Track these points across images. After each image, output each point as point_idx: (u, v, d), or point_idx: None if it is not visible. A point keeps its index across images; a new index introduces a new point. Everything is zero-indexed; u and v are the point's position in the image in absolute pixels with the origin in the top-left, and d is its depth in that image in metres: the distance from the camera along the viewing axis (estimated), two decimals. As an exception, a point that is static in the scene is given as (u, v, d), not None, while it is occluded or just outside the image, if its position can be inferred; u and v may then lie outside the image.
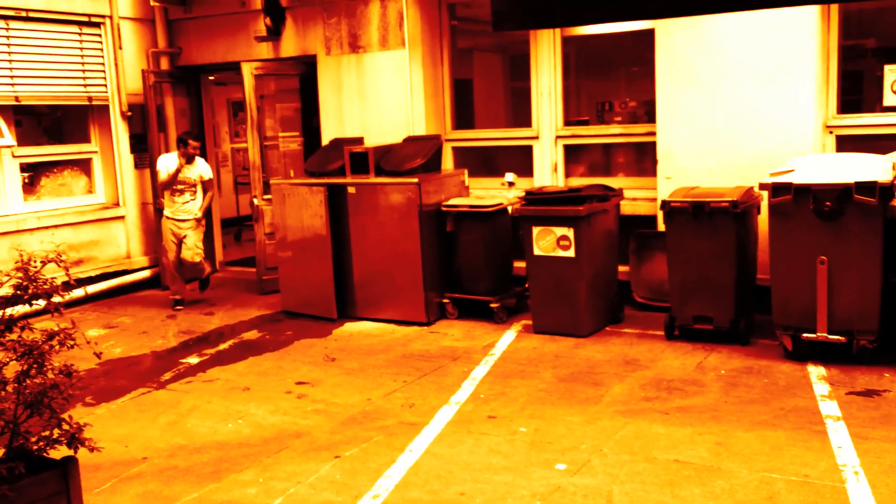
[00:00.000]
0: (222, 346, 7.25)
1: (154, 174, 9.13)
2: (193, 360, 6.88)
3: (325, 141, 9.00)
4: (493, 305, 7.45)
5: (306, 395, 5.89)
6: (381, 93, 8.78)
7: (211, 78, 10.83)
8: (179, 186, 8.49)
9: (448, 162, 8.88)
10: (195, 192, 8.55)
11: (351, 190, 7.76)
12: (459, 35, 9.20)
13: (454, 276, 7.68)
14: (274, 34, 9.32)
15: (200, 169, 8.59)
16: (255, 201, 9.24)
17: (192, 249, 8.54)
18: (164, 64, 9.96)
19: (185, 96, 10.16)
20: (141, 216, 9.81)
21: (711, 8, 5.62)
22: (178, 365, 6.74)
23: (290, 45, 9.31)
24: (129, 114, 9.58)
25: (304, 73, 9.51)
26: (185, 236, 8.52)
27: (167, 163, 8.52)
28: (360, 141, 8.53)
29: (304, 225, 7.94)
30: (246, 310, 8.30)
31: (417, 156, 7.89)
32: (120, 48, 9.49)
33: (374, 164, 7.83)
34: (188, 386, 6.22)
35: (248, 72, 9.18)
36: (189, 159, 8.47)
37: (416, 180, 7.48)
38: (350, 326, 7.65)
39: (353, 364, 6.53)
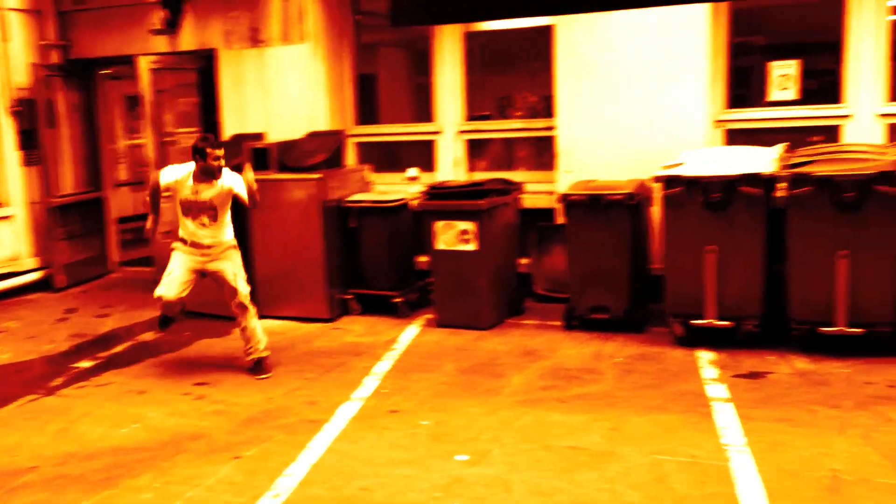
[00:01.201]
0: (117, 349, 7.03)
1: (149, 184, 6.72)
2: (86, 364, 6.65)
3: (226, 137, 8.82)
4: (396, 300, 7.46)
5: (206, 395, 5.77)
6: (283, 88, 8.66)
7: (106, 72, 10.47)
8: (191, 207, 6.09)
9: (352, 157, 8.83)
10: (216, 215, 6.08)
11: (252, 186, 7.61)
12: (364, 30, 9.15)
13: (358, 272, 7.65)
14: (171, 27, 9.08)
15: (229, 182, 6.05)
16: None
17: (237, 286, 6.13)
18: (56, 57, 9.58)
19: (77, 91, 9.80)
20: (30, 216, 9.40)
21: (606, 5, 5.78)
22: (70, 370, 6.50)
23: (189, 38, 9.09)
24: (18, 109, 9.17)
25: (204, 67, 9.29)
26: (218, 270, 6.13)
27: (172, 174, 6.10)
28: (261, 137, 8.40)
29: (204, 222, 7.75)
30: (143, 311, 8.06)
31: (320, 151, 7.82)
32: (4, 40, 9.07)
33: (277, 160, 7.72)
34: (80, 391, 6.01)
35: (144, 66, 8.91)
36: (208, 175, 5.95)
37: (318, 176, 7.41)
38: (253, 325, 7.52)
39: (254, 363, 6.43)
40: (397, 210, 7.51)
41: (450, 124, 8.50)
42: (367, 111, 9.23)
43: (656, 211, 6.75)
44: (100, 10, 9.47)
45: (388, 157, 8.94)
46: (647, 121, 7.31)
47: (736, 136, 7.29)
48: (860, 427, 4.69)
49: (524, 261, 7.75)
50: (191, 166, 6.02)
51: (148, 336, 7.37)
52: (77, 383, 6.17)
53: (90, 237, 9.96)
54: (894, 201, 5.58)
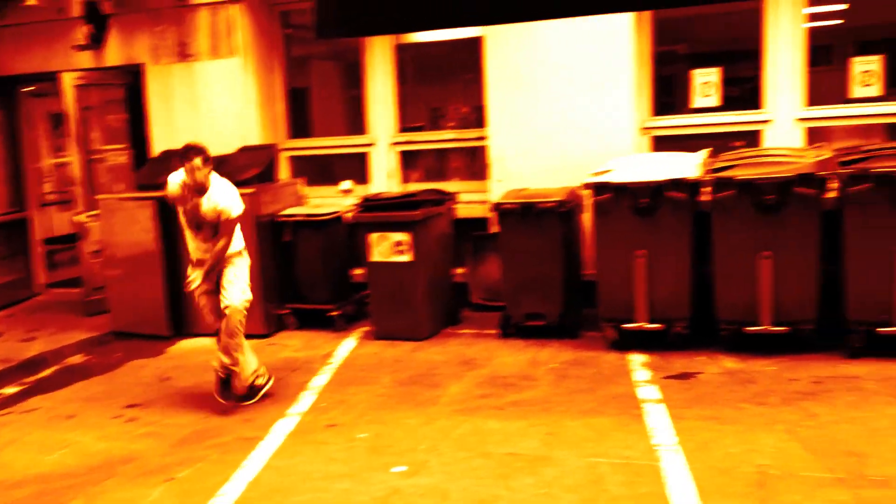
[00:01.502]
0: (45, 373, 6.85)
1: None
2: (11, 389, 6.46)
3: (155, 153, 8.68)
4: (332, 314, 7.42)
5: (137, 417, 5.65)
6: (214, 102, 8.56)
7: (29, 89, 10.20)
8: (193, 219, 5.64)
9: (285, 171, 8.77)
10: (216, 232, 5.58)
11: (183, 203, 7.51)
12: (295, 43, 9.11)
13: (293, 287, 7.59)
14: (96, 42, 8.90)
15: (215, 199, 5.48)
16: (80, 218, 8.77)
17: (225, 292, 5.60)
18: (-26, 75, 9.31)
19: (-2, 109, 9.54)
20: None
21: (531, 16, 5.86)
22: (-5, 396, 6.32)
23: (115, 53, 8.92)
24: (-64, 128, 8.89)
25: (132, 82, 9.13)
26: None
27: (173, 182, 5.66)
28: (191, 152, 8.27)
29: (134, 241, 7.63)
30: (71, 333, 7.85)
31: (252, 166, 7.75)
32: (-80, 58, 8.80)
33: (207, 176, 7.61)
34: (5, 418, 5.83)
35: (68, 82, 8.71)
36: (193, 189, 5.49)
37: (251, 191, 7.33)
38: (186, 344, 7.41)
39: (188, 382, 6.32)
40: (331, 223, 7.49)
41: (383, 136, 8.51)
42: (300, 124, 9.18)
43: (587, 217, 6.86)
44: (21, 25, 9.23)
45: (322, 171, 8.91)
46: (576, 129, 7.43)
47: (662, 143, 7.46)
48: (786, 422, 4.83)
49: (460, 270, 7.79)
50: (181, 175, 5.56)
51: (77, 359, 7.20)
52: (1, 410, 5.98)
53: (14, 259, 9.68)
54: (813, 203, 5.77)
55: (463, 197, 7.91)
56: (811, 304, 5.87)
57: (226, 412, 5.58)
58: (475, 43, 7.88)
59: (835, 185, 5.78)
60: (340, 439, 5.04)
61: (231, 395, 5.68)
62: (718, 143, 7.10)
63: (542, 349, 6.51)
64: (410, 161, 8.59)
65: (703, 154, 6.61)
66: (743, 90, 7.56)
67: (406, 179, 8.54)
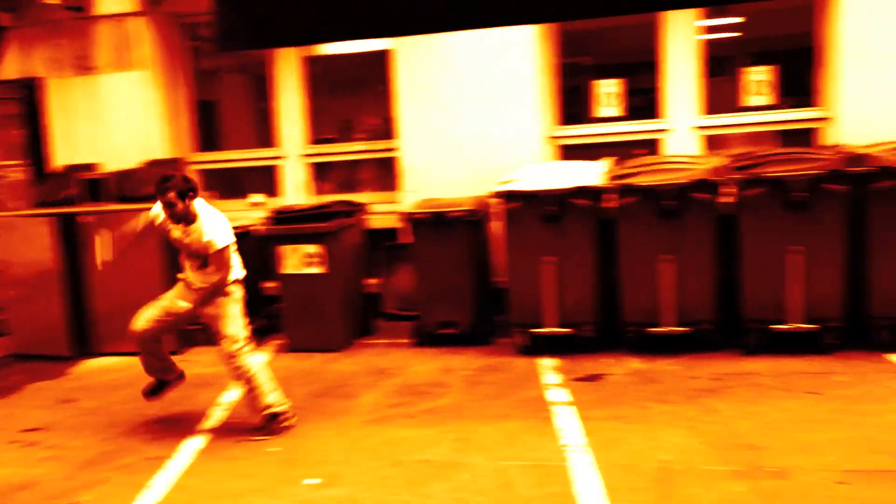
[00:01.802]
0: (-62, 399, 6.54)
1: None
2: None
3: (57, 167, 8.41)
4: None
5: (37, 442, 5.44)
6: (117, 116, 8.36)
7: (-82, 104, 9.76)
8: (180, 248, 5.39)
9: (193, 185, 8.61)
10: (203, 263, 5.26)
11: (86, 219, 7.31)
12: (203, 56, 8.98)
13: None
14: (-9, 56, 8.59)
15: (199, 230, 5.13)
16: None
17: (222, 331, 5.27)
18: None
19: None
20: None
21: (434, 28, 5.93)
22: None
23: (12, 66, 8.62)
24: None
25: (30, 96, 8.83)
26: (206, 314, 5.33)
27: (154, 210, 5.34)
28: (94, 167, 8.06)
29: (33, 259, 7.37)
30: (-33, 357, 7.55)
31: (158, 180, 7.58)
32: None
33: (112, 191, 7.43)
34: None
35: (-40, 96, 8.38)
36: (174, 219, 5.14)
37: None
38: (91, 363, 7.19)
39: (92, 403, 6.13)
40: (242, 236, 7.33)
41: (293, 149, 8.46)
42: (209, 138, 9.05)
43: (498, 225, 6.96)
44: None
45: (232, 184, 8.79)
46: (485, 139, 7.54)
47: (569, 152, 7.64)
48: (688, 419, 5.00)
49: (373, 281, 7.79)
50: (160, 209, 5.21)
51: (-26, 383, 6.89)
52: None
53: None
54: (710, 207, 6.01)
55: (375, 208, 7.93)
56: (710, 304, 6.09)
57: (133, 433, 5.44)
58: (384, 55, 7.93)
59: (730, 189, 6.03)
60: (252, 454, 4.97)
61: (155, 396, 5.60)
62: (622, 151, 7.31)
63: (454, 357, 6.56)
64: (322, 173, 8.56)
65: (608, 162, 6.80)
66: (644, 100, 7.81)
67: (318, 192, 8.50)
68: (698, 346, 6.14)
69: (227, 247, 5.16)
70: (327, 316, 6.95)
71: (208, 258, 5.17)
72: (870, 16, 6.68)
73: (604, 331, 6.40)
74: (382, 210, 8.02)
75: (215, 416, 5.65)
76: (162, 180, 5.06)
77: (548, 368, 6.11)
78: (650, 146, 7.50)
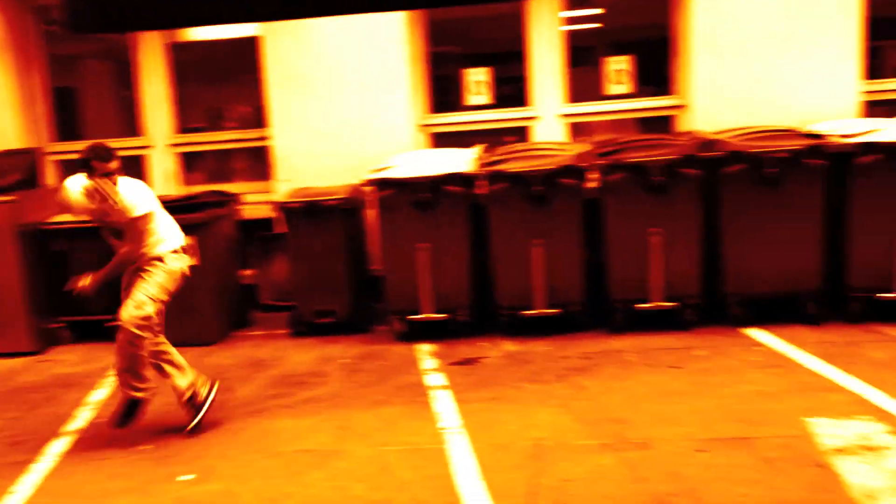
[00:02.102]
0: None
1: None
2: None
3: None
4: (112, 324, 7.03)
5: None
6: (-36, 104, 7.86)
7: None
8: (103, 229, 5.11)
9: (52, 176, 8.21)
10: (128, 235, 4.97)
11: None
12: (61, 41, 8.53)
13: (69, 298, 7.11)
14: None
15: (127, 198, 4.83)
16: None
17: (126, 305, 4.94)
18: None
19: None
20: None
21: (298, 13, 5.86)
22: None
23: None
24: None
25: None
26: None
27: (72, 189, 4.92)
28: (-61, 158, 7.55)
29: None
30: None
31: (14, 171, 7.21)
32: None
33: (-40, 184, 7.00)
34: None
35: None
36: (99, 193, 4.77)
37: (11, 198, 6.81)
38: (-54, 368, 6.76)
39: (-54, 409, 5.79)
40: (106, 230, 7.09)
41: (160, 138, 8.19)
42: (69, 127, 8.63)
43: (373, 214, 6.99)
44: None
45: (95, 175, 8.41)
46: (358, 128, 7.54)
47: (441, 139, 7.75)
48: (559, 397, 5.20)
49: (248, 272, 7.66)
50: (81, 180, 4.85)
51: None
52: None
53: None
54: (576, 192, 6.23)
55: (248, 198, 7.78)
56: (579, 286, 6.33)
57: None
58: (253, 42, 7.78)
59: (595, 175, 6.27)
60: (121, 454, 4.83)
61: (127, 423, 5.01)
62: (492, 138, 7.47)
63: (332, 346, 6.56)
64: (191, 163, 8.33)
65: (478, 149, 6.94)
66: (513, 89, 8.00)
67: (187, 182, 8.28)
68: (569, 326, 6.37)
69: (145, 215, 4.87)
70: (200, 309, 6.79)
71: (133, 224, 4.83)
72: (718, 10, 7.07)
73: (479, 315, 6.55)
74: (256, 200, 7.89)
75: (82, 417, 5.44)
76: (96, 149, 4.74)
77: (425, 354, 6.20)
78: (520, 133, 7.70)
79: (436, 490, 4.14)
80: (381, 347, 6.43)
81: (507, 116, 7.72)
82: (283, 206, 6.76)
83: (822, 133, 6.14)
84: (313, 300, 6.80)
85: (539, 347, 6.14)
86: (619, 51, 7.75)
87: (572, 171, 6.19)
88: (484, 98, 7.73)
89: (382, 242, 6.53)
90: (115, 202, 4.78)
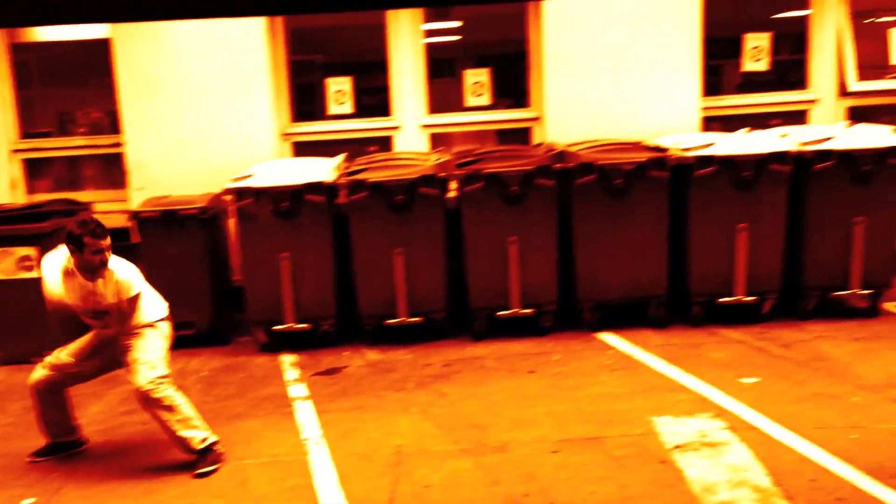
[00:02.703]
0: None
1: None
2: None
3: None
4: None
5: None
6: None
7: None
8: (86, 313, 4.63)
9: None
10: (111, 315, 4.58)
11: None
12: None
13: None
14: None
15: (119, 283, 4.47)
16: None
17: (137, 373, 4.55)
18: None
19: None
20: None
21: (151, 15, 5.69)
22: None
23: None
24: None
25: None
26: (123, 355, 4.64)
27: (51, 271, 4.63)
28: None
29: None
30: None
31: None
32: None
33: None
34: None
35: None
36: (91, 270, 4.40)
37: None
38: None
39: None
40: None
41: (1, 143, 7.73)
42: None
43: (234, 223, 6.86)
44: None
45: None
46: (217, 135, 7.39)
47: (303, 148, 7.70)
48: (420, 404, 5.28)
49: (100, 284, 7.34)
50: (61, 258, 4.47)
51: None
52: None
53: None
54: (437, 202, 6.33)
55: (102, 206, 7.45)
56: (441, 294, 6.44)
57: None
58: (104, 45, 7.48)
59: (454, 185, 6.40)
60: (-42, 480, 4.54)
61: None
62: (355, 148, 7.51)
63: (192, 358, 6.39)
64: (37, 170, 7.92)
65: (340, 159, 6.95)
66: (376, 99, 8.06)
67: (33, 190, 7.86)
68: (432, 334, 6.47)
69: (136, 295, 4.55)
70: (46, 323, 6.44)
71: (120, 307, 4.48)
72: (569, 27, 7.36)
73: (343, 324, 6.55)
74: (109, 209, 7.56)
75: (-87, 443, 5.07)
76: (86, 223, 4.30)
77: (288, 365, 6.14)
78: (382, 143, 7.76)
79: (295, 502, 4.12)
80: (242, 359, 6.32)
81: (369, 126, 7.77)
82: (137, 216, 6.53)
83: (665, 146, 6.51)
84: (172, 312, 6.57)
85: (402, 356, 6.21)
86: (478, 64, 7.96)
87: (432, 180, 6.29)
88: (346, 107, 7.74)
89: (243, 252, 6.42)
90: (106, 286, 4.43)
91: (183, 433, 4.51)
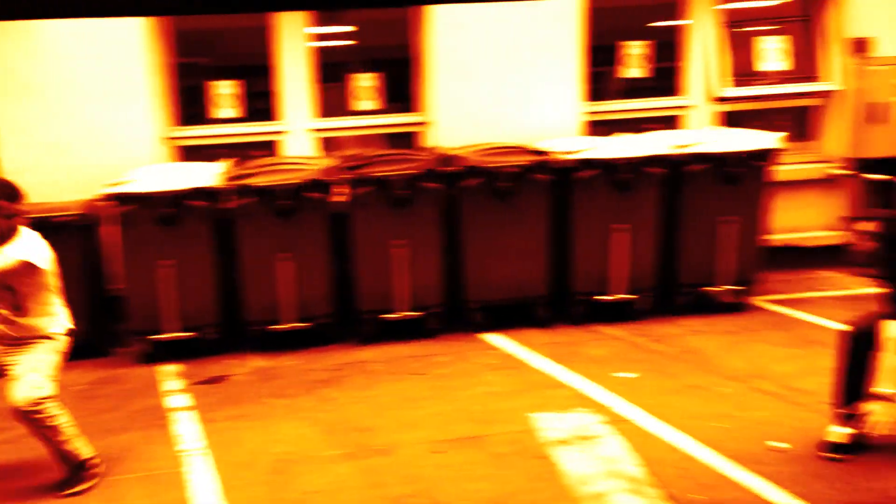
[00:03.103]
0: None
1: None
2: None
3: None
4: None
5: None
6: None
7: None
8: None
9: None
10: (18, 302, 4.26)
11: None
12: None
13: None
14: None
15: (23, 250, 4.19)
16: None
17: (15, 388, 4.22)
18: None
19: None
20: None
21: (22, 14, 5.47)
22: None
23: None
24: None
25: None
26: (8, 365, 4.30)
27: None
28: None
29: None
30: None
31: None
32: None
33: None
34: None
35: None
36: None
37: None
38: None
39: None
40: None
41: None
42: None
43: (112, 230, 6.64)
44: None
45: None
46: (94, 140, 7.13)
47: (188, 153, 7.52)
48: (306, 410, 5.25)
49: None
50: None
51: None
52: None
53: None
54: (323, 206, 6.29)
55: (-32, 215, 7.10)
56: (328, 299, 6.41)
57: None
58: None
59: (343, 189, 6.39)
60: None
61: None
62: (242, 152, 7.37)
63: (66, 372, 6.01)
64: None
65: (227, 163, 6.82)
66: (263, 103, 7.94)
67: None
68: (319, 339, 6.42)
69: (46, 271, 4.25)
70: None
71: (18, 286, 4.16)
72: (455, 32, 7.45)
73: (228, 332, 6.43)
74: (-22, 217, 7.22)
75: None
76: (4, 186, 4.08)
77: (170, 375, 6.00)
78: (270, 148, 7.66)
79: (172, 515, 4.04)
80: (121, 371, 6.13)
81: (256, 130, 7.65)
82: (8, 224, 6.24)
83: (548, 150, 6.67)
84: (45, 324, 6.33)
85: (288, 362, 6.15)
86: (369, 68, 7.95)
87: (319, 185, 6.25)
88: (233, 111, 7.61)
89: (123, 260, 6.23)
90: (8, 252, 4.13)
91: (65, 448, 4.34)
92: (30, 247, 4.23)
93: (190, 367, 6.11)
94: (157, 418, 5.20)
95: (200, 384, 5.78)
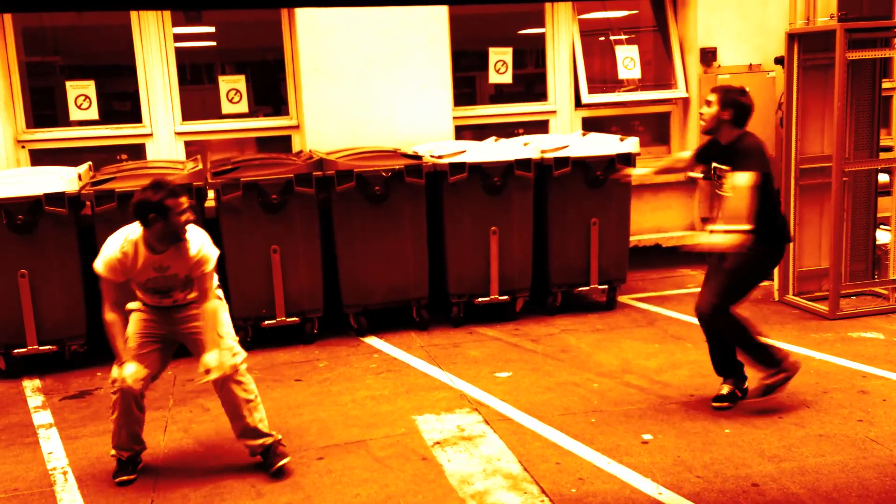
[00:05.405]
0: None
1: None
2: None
3: None
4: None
5: None
6: None
7: None
8: (154, 286, 4.32)
9: None
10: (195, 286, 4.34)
11: None
12: None
13: None
14: None
15: (199, 248, 4.27)
16: None
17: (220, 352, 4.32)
18: None
19: None
20: None
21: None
22: None
23: None
24: None
25: None
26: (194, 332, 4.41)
27: (113, 257, 4.19)
28: None
29: None
30: None
31: None
32: None
33: None
34: None
35: None
36: (170, 239, 4.18)
37: None
38: None
39: None
40: None
41: None
42: None
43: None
44: None
45: None
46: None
47: (42, 156, 7.14)
48: (181, 422, 5.09)
49: None
50: (134, 233, 4.17)
51: None
52: None
53: None
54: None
55: None
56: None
57: None
58: None
59: (212, 194, 6.23)
60: None
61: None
62: (104, 156, 7.10)
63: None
64: None
65: (85, 167, 6.51)
66: (128, 104, 7.64)
67: None
68: (191, 348, 6.22)
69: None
70: None
71: (198, 282, 4.28)
72: (322, 36, 7.37)
73: (96, 344, 6.11)
74: None
75: None
76: (161, 188, 4.09)
77: (32, 390, 5.68)
78: (133, 151, 7.37)
79: (39, 539, 3.83)
80: (-22, 387, 5.75)
81: (118, 133, 7.35)
82: None
83: (421, 154, 6.75)
84: None
85: (166, 373, 5.91)
86: (236, 70, 7.79)
87: (186, 190, 6.05)
88: (91, 113, 7.27)
89: (-26, 271, 5.84)
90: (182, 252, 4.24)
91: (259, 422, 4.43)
92: (203, 242, 4.34)
93: (54, 382, 5.82)
94: (20, 436, 4.91)
95: (66, 399, 5.50)
